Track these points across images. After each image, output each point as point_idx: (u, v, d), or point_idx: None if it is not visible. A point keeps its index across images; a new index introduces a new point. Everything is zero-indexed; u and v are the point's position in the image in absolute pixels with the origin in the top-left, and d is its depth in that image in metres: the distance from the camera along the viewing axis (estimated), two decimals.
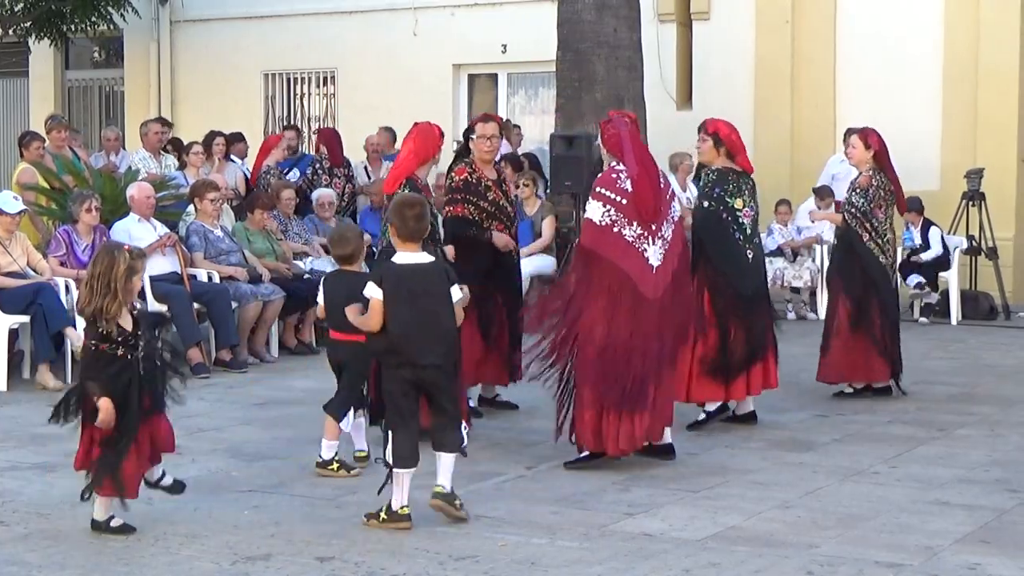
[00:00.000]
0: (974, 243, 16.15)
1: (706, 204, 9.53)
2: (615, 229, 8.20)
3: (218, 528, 7.01)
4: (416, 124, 9.63)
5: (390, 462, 6.93)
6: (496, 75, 20.57)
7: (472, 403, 10.02)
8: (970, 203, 16.17)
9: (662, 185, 8.46)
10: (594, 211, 8.26)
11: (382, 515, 6.97)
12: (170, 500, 7.24)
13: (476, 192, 9.85)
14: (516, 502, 7.51)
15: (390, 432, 6.96)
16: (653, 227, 8.27)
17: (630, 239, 8.20)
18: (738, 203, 9.49)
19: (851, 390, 10.70)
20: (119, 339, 6.75)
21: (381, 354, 7.09)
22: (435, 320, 7.00)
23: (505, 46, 19.79)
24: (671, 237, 8.38)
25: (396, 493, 6.95)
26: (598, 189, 8.33)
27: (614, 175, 8.35)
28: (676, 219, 8.53)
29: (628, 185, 8.25)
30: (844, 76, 18.13)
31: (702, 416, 9.50)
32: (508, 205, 10.06)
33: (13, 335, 11.67)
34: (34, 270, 11.77)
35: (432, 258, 7.21)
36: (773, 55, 18.31)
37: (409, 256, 7.06)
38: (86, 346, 6.79)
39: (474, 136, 9.95)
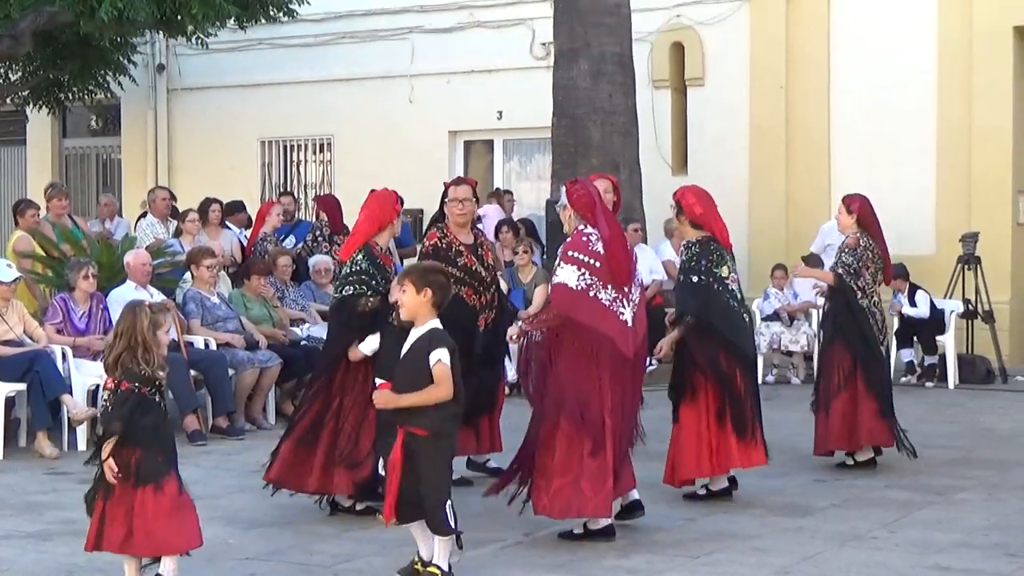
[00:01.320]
0: (970, 307, 16.16)
1: (695, 279, 9.34)
2: (591, 293, 8.11)
3: None
4: (372, 192, 9.52)
5: (458, 530, 6.98)
6: (492, 141, 20.67)
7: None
8: (966, 267, 16.20)
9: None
10: (568, 275, 8.13)
11: None
12: None
13: (445, 257, 9.61)
14: (514, 569, 7.47)
15: (449, 502, 6.95)
16: (625, 289, 8.23)
17: (606, 302, 8.14)
18: (724, 270, 9.36)
19: (852, 462, 10.61)
20: (158, 385, 6.78)
21: (446, 421, 6.99)
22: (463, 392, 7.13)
23: (501, 112, 19.90)
24: (638, 300, 8.35)
25: (447, 554, 7.02)
26: (570, 253, 8.20)
27: (584, 238, 8.24)
28: (641, 282, 8.51)
29: (600, 248, 8.18)
30: (838, 141, 18.21)
31: (702, 491, 9.38)
32: (482, 270, 9.82)
33: (9, 403, 11.65)
34: (31, 338, 11.77)
35: None
36: (767, 120, 18.40)
37: (440, 324, 7.07)
38: (127, 389, 6.68)
39: (447, 200, 9.87)
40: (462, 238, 9.81)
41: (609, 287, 8.15)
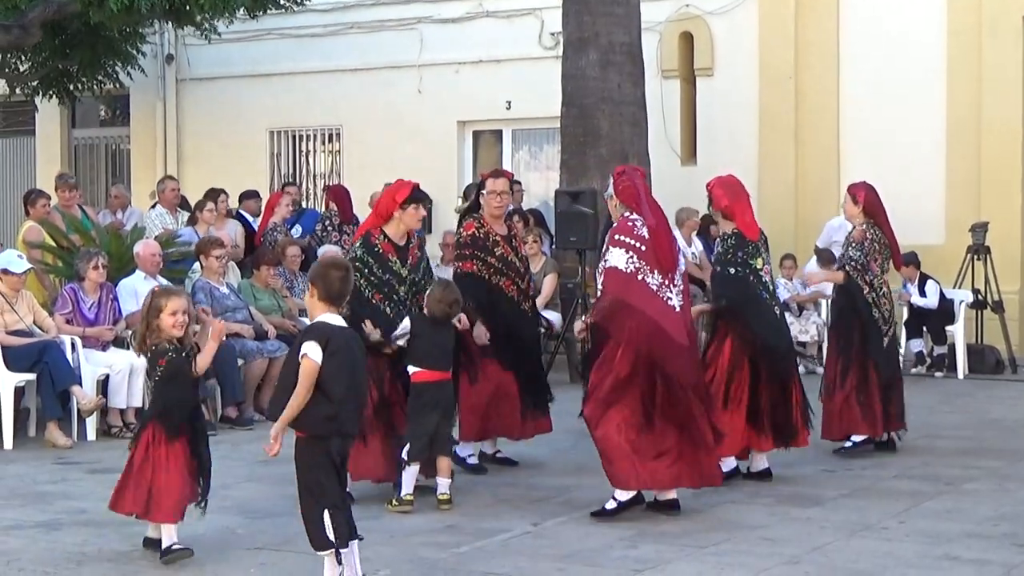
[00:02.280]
0: (979, 297, 16.14)
1: (732, 271, 9.46)
2: (639, 277, 8.26)
3: None
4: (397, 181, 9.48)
5: (333, 540, 6.53)
6: (501, 131, 20.65)
7: (474, 460, 10.02)
8: (975, 257, 16.17)
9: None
10: (618, 258, 8.28)
11: None
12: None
13: (484, 247, 9.88)
14: (522, 559, 7.47)
15: (327, 512, 6.54)
16: (670, 275, 8.35)
17: (654, 287, 8.27)
18: (758, 263, 9.48)
19: (851, 444, 10.66)
20: (183, 353, 7.38)
21: (318, 422, 6.54)
22: (363, 389, 6.89)
23: (509, 103, 19.87)
24: (683, 287, 8.45)
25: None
26: (618, 237, 8.36)
27: (630, 223, 8.39)
28: (683, 270, 8.57)
29: (645, 232, 8.31)
30: (848, 130, 18.18)
31: None
32: (517, 260, 10.05)
33: (19, 393, 11.66)
34: (40, 328, 11.78)
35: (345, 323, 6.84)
36: (777, 110, 18.38)
37: (337, 319, 6.65)
38: (167, 360, 7.35)
39: (484, 192, 9.97)
40: (497, 229, 9.96)
41: (656, 272, 8.27)
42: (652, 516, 8.41)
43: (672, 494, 8.50)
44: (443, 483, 8.75)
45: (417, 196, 9.17)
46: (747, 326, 9.40)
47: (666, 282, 8.32)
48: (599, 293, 8.53)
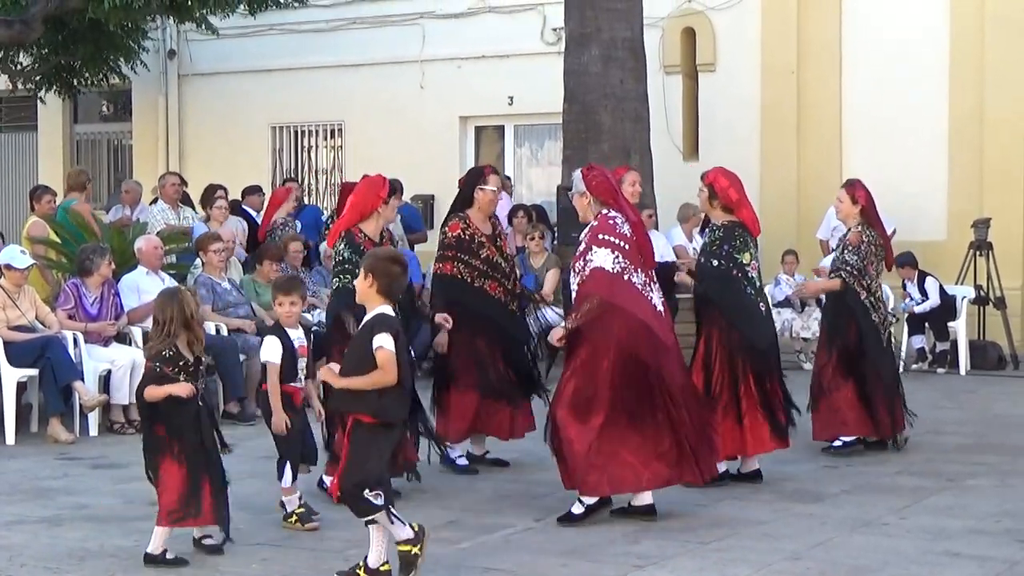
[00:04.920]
0: (982, 293, 16.14)
1: (715, 263, 9.28)
2: (625, 277, 8.06)
3: None
4: (364, 177, 9.25)
5: (379, 504, 6.71)
6: (503, 127, 20.66)
7: (463, 461, 9.92)
8: (977, 253, 16.17)
9: None
10: (604, 259, 8.05)
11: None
12: (178, 553, 7.27)
13: (469, 250, 9.64)
14: (524, 554, 7.48)
15: (366, 492, 6.67)
16: (649, 273, 8.21)
17: (639, 286, 8.10)
18: (746, 257, 9.29)
19: (840, 443, 10.57)
20: (181, 364, 7.28)
21: (391, 410, 6.77)
22: (411, 380, 6.99)
23: (512, 98, 19.88)
24: (657, 284, 8.30)
25: (381, 549, 6.80)
26: (601, 236, 8.10)
27: (611, 221, 8.16)
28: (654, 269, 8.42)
29: (627, 230, 8.12)
30: (850, 126, 18.18)
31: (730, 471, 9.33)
32: (503, 261, 9.80)
33: (21, 388, 11.66)
34: (42, 323, 11.78)
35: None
36: (779, 105, 18.38)
37: (391, 310, 6.82)
38: (149, 368, 7.35)
39: (485, 188, 9.74)
40: (483, 228, 9.74)
41: (639, 271, 8.09)
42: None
43: (648, 499, 8.29)
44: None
45: (395, 188, 9.02)
46: (729, 322, 9.20)
47: (647, 280, 8.15)
48: (575, 295, 8.21)
